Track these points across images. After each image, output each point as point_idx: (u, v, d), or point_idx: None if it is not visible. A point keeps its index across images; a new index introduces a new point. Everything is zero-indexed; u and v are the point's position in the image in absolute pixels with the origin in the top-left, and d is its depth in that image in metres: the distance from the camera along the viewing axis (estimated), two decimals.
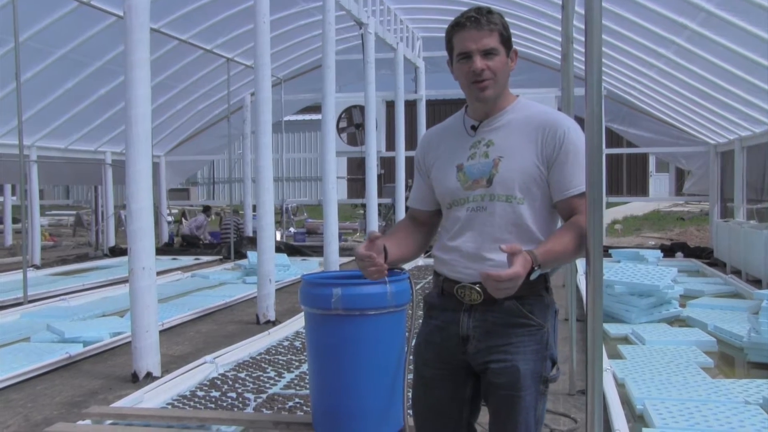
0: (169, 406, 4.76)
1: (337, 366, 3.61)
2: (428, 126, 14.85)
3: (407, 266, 11.50)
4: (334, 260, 9.24)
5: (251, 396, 4.95)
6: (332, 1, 9.19)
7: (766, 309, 5.98)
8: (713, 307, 8.10)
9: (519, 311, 2.32)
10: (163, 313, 7.29)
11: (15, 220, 18.72)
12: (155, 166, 15.74)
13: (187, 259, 14.11)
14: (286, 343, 6.59)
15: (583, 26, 2.45)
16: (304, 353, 6.03)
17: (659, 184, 29.15)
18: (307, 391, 4.75)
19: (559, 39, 7.01)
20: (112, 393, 5.25)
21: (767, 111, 10.34)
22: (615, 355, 6.07)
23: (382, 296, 3.45)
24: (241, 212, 17.13)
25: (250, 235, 15.48)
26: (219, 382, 5.28)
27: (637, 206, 27.24)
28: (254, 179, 8.35)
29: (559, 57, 6.92)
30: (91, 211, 17.20)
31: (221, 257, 14.36)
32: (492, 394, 2.35)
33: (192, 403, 4.80)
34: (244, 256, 12.53)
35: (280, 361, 5.91)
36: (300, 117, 25.88)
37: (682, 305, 7.96)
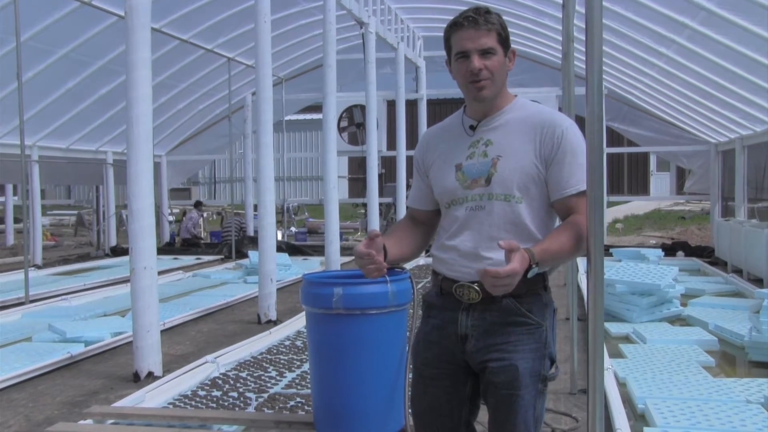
0: (171, 406, 4.76)
1: (338, 365, 3.61)
2: (429, 125, 14.84)
3: (408, 265, 11.50)
4: (336, 260, 9.24)
5: (252, 395, 4.96)
6: (333, 0, 9.19)
7: (767, 308, 5.98)
8: (714, 306, 8.10)
9: (517, 310, 2.33)
10: (164, 312, 7.30)
11: (16, 220, 18.72)
12: (156, 166, 15.75)
13: (188, 259, 14.12)
14: (287, 343, 6.60)
15: (583, 25, 2.46)
16: (306, 353, 6.03)
17: (660, 183, 29.10)
18: (309, 391, 4.75)
19: (560, 38, 7.01)
20: (114, 393, 5.25)
21: None
22: (616, 355, 6.07)
23: (383, 296, 3.45)
24: (240, 212, 17.12)
25: (252, 234, 15.49)
26: (220, 382, 5.28)
27: (638, 205, 27.22)
28: (255, 179, 8.36)
29: (560, 56, 6.92)
30: (92, 210, 17.22)
31: (222, 257, 14.37)
32: (491, 393, 2.35)
33: (193, 403, 4.80)
34: (245, 256, 12.53)
35: (282, 361, 5.92)
36: (301, 116, 25.88)
37: (683, 304, 7.96)
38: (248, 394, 4.97)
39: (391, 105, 14.76)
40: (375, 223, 11.61)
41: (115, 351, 6.52)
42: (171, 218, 17.49)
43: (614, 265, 8.02)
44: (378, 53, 11.79)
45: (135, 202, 5.52)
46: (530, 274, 2.15)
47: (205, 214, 18.89)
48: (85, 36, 11.00)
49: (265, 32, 7.65)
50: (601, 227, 2.34)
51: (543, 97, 14.19)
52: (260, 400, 4.85)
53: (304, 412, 4.48)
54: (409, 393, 2.61)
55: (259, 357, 6.08)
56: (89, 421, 4.40)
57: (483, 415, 2.47)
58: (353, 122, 15.94)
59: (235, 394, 4.97)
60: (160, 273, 7.28)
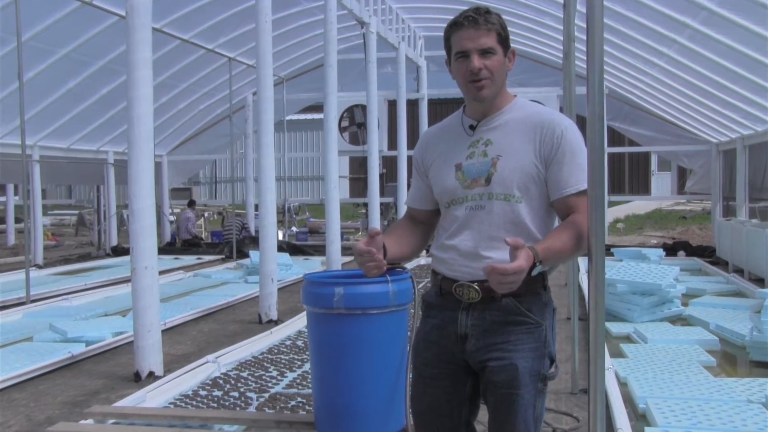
0: (172, 406, 4.77)
1: (339, 365, 3.61)
2: (430, 125, 14.83)
3: (409, 265, 11.53)
4: (337, 259, 9.24)
5: (253, 395, 4.96)
6: (334, 0, 9.20)
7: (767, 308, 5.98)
8: (715, 306, 8.09)
9: (517, 309, 2.33)
10: (165, 312, 7.30)
11: (17, 220, 18.73)
12: (157, 166, 15.75)
13: (189, 259, 14.12)
14: (288, 343, 6.60)
15: (584, 25, 2.45)
16: (306, 352, 6.03)
17: (661, 182, 29.07)
18: (310, 391, 4.75)
19: (561, 38, 7.01)
20: (115, 392, 5.25)
21: None
22: (617, 354, 6.07)
23: (384, 295, 3.44)
24: (241, 212, 17.11)
25: (254, 234, 15.49)
26: (221, 382, 5.28)
27: (639, 205, 27.21)
28: (256, 178, 8.36)
29: (561, 56, 6.92)
30: (93, 210, 17.22)
31: (223, 257, 14.37)
32: (491, 392, 2.35)
33: (194, 403, 4.80)
34: (246, 256, 12.54)
35: (283, 361, 5.92)
36: (302, 116, 25.85)
37: (685, 304, 7.95)
38: (249, 394, 4.97)
39: (392, 105, 14.77)
40: (376, 223, 11.62)
41: (116, 351, 6.53)
42: (172, 218, 17.49)
43: (615, 265, 8.02)
44: (379, 53, 11.80)
45: (136, 201, 5.53)
46: (534, 272, 2.15)
47: (206, 214, 18.89)
48: (85, 36, 11.00)
49: (266, 32, 7.65)
50: (602, 227, 2.34)
51: (544, 96, 14.18)
52: (261, 399, 4.85)
53: (305, 412, 4.48)
54: (409, 393, 2.61)
55: (260, 357, 6.08)
56: (90, 421, 4.40)
57: (483, 415, 2.47)
58: (354, 122, 15.94)
59: (236, 394, 4.97)
60: (161, 273, 7.28)
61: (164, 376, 5.43)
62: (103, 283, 10.47)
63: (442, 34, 2.40)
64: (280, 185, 15.97)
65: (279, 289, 8.30)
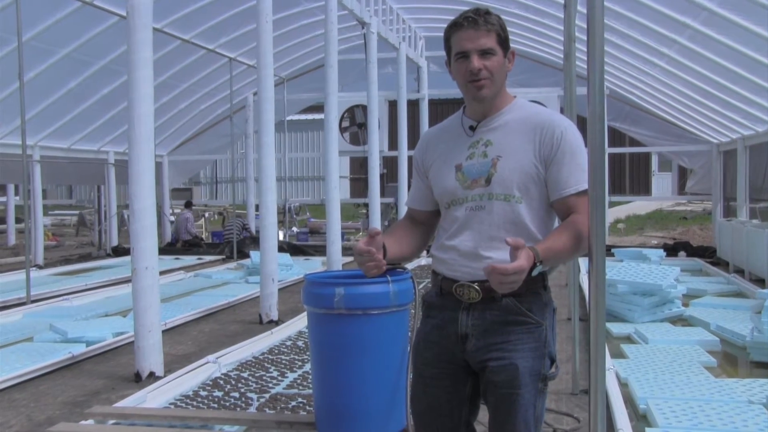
0: (172, 406, 4.77)
1: (339, 365, 3.61)
2: (431, 125, 14.85)
3: (410, 266, 11.52)
4: (337, 260, 9.25)
5: (254, 396, 4.96)
6: (334, 0, 9.20)
7: None
8: (716, 307, 8.09)
9: (517, 309, 2.33)
10: (165, 312, 7.30)
11: (18, 220, 18.73)
12: (158, 166, 15.75)
13: (189, 259, 14.13)
14: (288, 343, 6.60)
15: (585, 25, 2.45)
16: (307, 353, 6.03)
17: (662, 183, 29.07)
18: (310, 391, 4.75)
19: (562, 38, 7.01)
20: (115, 393, 5.25)
21: None
22: (618, 355, 6.07)
23: (384, 296, 3.45)
24: (241, 212, 17.12)
25: (254, 234, 15.48)
26: (222, 382, 5.28)
27: (639, 205, 27.22)
28: (257, 179, 8.36)
29: (562, 56, 6.91)
30: (93, 210, 17.22)
31: (224, 257, 14.37)
32: (491, 392, 2.36)
33: (195, 403, 4.80)
34: (247, 256, 12.53)
35: (283, 361, 5.92)
36: (302, 116, 25.87)
37: (685, 304, 7.95)
38: (250, 395, 4.97)
39: (393, 105, 14.77)
40: (377, 223, 11.62)
41: (116, 351, 6.53)
42: (172, 218, 17.50)
43: (616, 266, 8.01)
44: (379, 53, 11.80)
45: (136, 201, 5.53)
46: (534, 273, 2.15)
47: (206, 215, 18.88)
48: (86, 36, 11.01)
49: (267, 32, 7.65)
50: (603, 227, 2.34)
51: (544, 97, 14.18)
52: (262, 400, 4.85)
53: (305, 413, 4.48)
54: (409, 393, 2.61)
55: (261, 357, 6.08)
56: (90, 422, 4.40)
57: (483, 415, 2.47)
58: (355, 122, 15.93)
59: (236, 395, 4.97)
60: (162, 273, 7.28)
61: (165, 376, 5.43)
62: (104, 284, 10.47)
63: (442, 34, 2.41)
64: (281, 185, 15.98)
65: (279, 290, 8.31)
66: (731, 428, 4.16)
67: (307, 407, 4.57)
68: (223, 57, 13.90)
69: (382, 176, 14.04)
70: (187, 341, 7.04)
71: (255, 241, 13.75)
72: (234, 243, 14.35)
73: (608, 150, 13.26)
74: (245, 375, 5.48)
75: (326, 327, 3.60)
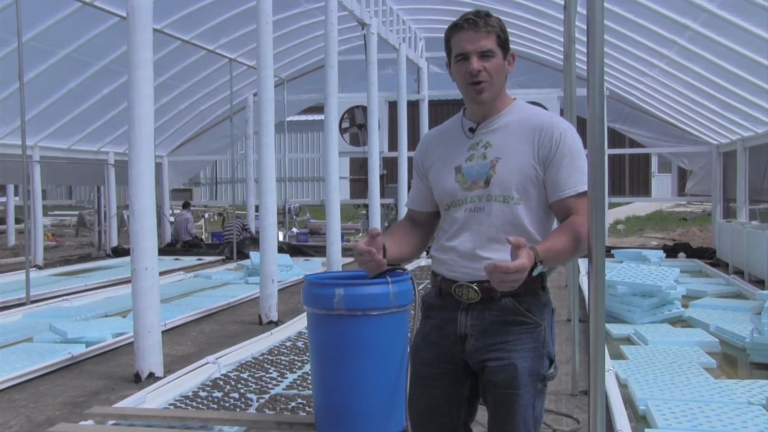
0: (172, 407, 4.77)
1: (339, 366, 3.61)
2: (431, 126, 14.87)
3: (410, 266, 11.53)
4: (337, 260, 9.25)
5: (254, 396, 4.96)
6: (335, 1, 9.21)
7: None
8: (716, 308, 8.09)
9: (516, 309, 2.34)
10: (165, 313, 7.30)
11: (18, 221, 18.73)
12: (158, 167, 15.74)
13: (189, 260, 14.13)
14: (288, 344, 6.60)
15: (585, 27, 2.46)
16: (307, 354, 6.03)
17: (661, 184, 29.07)
18: (310, 392, 4.75)
19: (562, 39, 7.01)
20: (115, 393, 5.25)
21: None
22: (617, 356, 6.07)
23: (384, 296, 3.44)
24: (241, 213, 17.11)
25: (254, 235, 15.48)
26: (221, 383, 5.28)
27: (639, 206, 27.23)
28: (257, 179, 8.36)
29: (562, 57, 6.91)
30: (93, 211, 17.22)
31: (224, 257, 14.37)
32: (490, 392, 2.37)
33: (194, 404, 4.80)
34: (247, 257, 12.54)
35: (283, 362, 5.92)
36: (302, 117, 25.88)
37: (685, 306, 7.95)
38: (249, 395, 4.97)
39: (393, 106, 14.77)
40: (376, 223, 11.62)
41: (116, 351, 6.53)
42: (172, 219, 17.49)
43: (616, 267, 8.01)
44: (379, 54, 11.80)
45: (136, 202, 5.53)
46: (535, 272, 2.16)
47: (206, 215, 18.87)
48: (86, 36, 11.01)
49: (267, 33, 7.65)
50: (603, 228, 2.34)
51: (544, 98, 14.19)
52: (261, 401, 4.85)
53: (305, 413, 4.48)
54: (407, 393, 2.62)
55: (261, 358, 6.08)
56: (90, 422, 4.40)
57: (483, 415, 2.47)
58: (355, 123, 15.94)
59: (236, 395, 4.97)
60: (162, 273, 7.28)
61: (164, 377, 5.43)
62: (104, 284, 10.47)
63: (442, 35, 2.42)
64: (281, 186, 15.98)
65: (279, 290, 8.31)
66: (731, 429, 4.16)
67: (307, 408, 4.57)
68: (223, 58, 13.91)
69: (382, 177, 14.04)
70: (187, 342, 7.04)
71: (255, 241, 13.74)
72: (234, 244, 14.35)
73: (608, 151, 13.26)
74: (245, 376, 5.48)
75: (326, 328, 3.60)
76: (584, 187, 2.34)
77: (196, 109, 15.90)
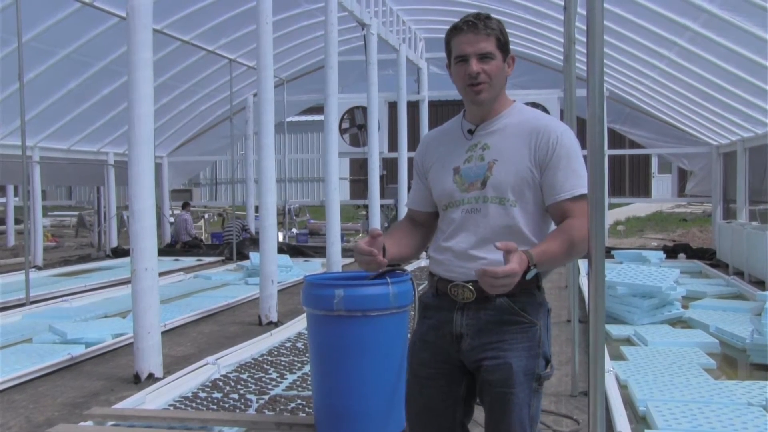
0: (171, 408, 4.76)
1: (339, 367, 3.61)
2: (431, 127, 14.86)
3: (409, 267, 11.53)
4: (337, 261, 9.24)
5: (253, 397, 4.95)
6: (335, 2, 9.21)
7: None
8: (715, 309, 8.09)
9: (511, 309, 2.36)
10: (165, 314, 7.29)
11: (17, 221, 18.73)
12: (158, 167, 15.74)
13: (189, 260, 14.12)
14: (288, 344, 6.59)
15: (585, 27, 2.46)
16: (307, 354, 6.03)
17: (661, 185, 29.07)
18: (310, 393, 4.75)
19: (561, 40, 7.01)
20: (114, 394, 5.25)
21: None
22: (617, 357, 6.07)
23: (384, 297, 3.45)
24: (241, 213, 17.11)
25: (254, 236, 15.47)
26: (221, 384, 5.28)
27: (639, 207, 27.22)
28: (257, 180, 8.35)
29: (561, 58, 6.91)
30: (93, 211, 17.22)
31: (223, 258, 14.37)
32: (486, 391, 2.38)
33: (194, 405, 4.80)
34: (247, 257, 12.54)
35: (283, 363, 5.91)
36: (302, 118, 25.87)
37: (685, 306, 7.94)
38: (249, 396, 4.97)
39: (393, 106, 14.77)
40: (376, 224, 11.62)
41: (115, 352, 6.52)
42: (172, 219, 17.49)
43: (615, 267, 8.01)
44: (379, 55, 11.80)
45: (136, 203, 5.53)
46: (528, 276, 2.17)
47: (206, 216, 18.86)
48: (86, 37, 11.01)
49: (267, 33, 7.65)
50: (603, 229, 2.34)
51: (544, 98, 14.20)
52: (261, 401, 4.85)
53: (305, 414, 4.48)
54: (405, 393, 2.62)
55: (260, 359, 6.07)
56: (90, 423, 4.40)
57: (480, 416, 2.47)
58: (355, 124, 15.94)
59: (235, 396, 4.96)
60: (161, 274, 7.28)
61: (164, 377, 5.43)
62: (103, 285, 10.47)
63: (442, 36, 2.43)
64: (281, 187, 15.97)
65: (279, 291, 8.30)
66: (731, 430, 4.16)
67: (307, 409, 4.57)
68: (223, 58, 13.91)
69: (381, 178, 14.05)
70: (187, 342, 7.04)
71: (254, 242, 13.74)
72: (233, 244, 14.34)
73: (608, 152, 13.28)
74: (244, 376, 5.48)
75: (326, 328, 3.60)
76: (581, 190, 2.34)
77: (196, 110, 15.89)
